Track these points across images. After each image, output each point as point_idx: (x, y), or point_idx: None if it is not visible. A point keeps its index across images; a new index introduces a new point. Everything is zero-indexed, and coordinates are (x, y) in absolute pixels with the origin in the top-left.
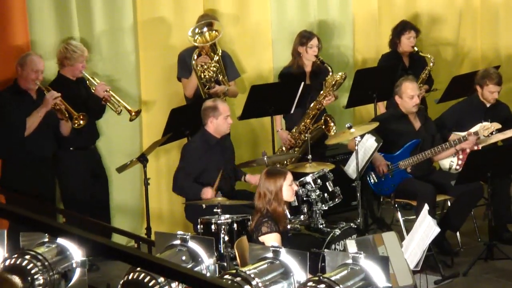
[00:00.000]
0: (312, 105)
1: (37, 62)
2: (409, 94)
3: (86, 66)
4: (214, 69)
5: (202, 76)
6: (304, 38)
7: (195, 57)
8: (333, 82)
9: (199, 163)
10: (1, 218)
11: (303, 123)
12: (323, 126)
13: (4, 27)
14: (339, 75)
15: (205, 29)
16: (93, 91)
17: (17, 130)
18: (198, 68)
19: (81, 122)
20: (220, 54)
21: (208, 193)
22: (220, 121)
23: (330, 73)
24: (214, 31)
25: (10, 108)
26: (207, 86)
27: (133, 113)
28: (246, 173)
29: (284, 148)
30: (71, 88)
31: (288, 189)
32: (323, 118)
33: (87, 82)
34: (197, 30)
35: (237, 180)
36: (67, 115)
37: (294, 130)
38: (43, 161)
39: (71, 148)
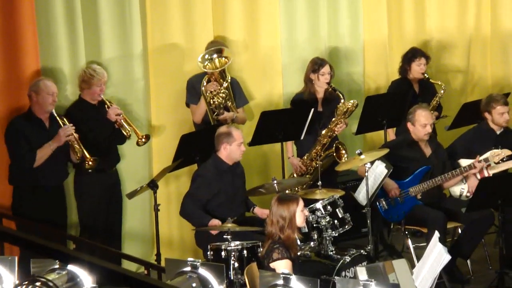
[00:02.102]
0: (323, 132)
1: (51, 85)
2: (422, 122)
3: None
4: (223, 95)
5: (211, 103)
6: (316, 65)
7: (205, 83)
8: (345, 110)
9: (209, 189)
10: (12, 244)
11: (314, 150)
12: (334, 154)
13: (15, 56)
14: (351, 103)
15: (214, 55)
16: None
17: (26, 161)
18: (208, 94)
19: (91, 163)
20: (229, 80)
21: (215, 223)
22: (233, 148)
23: (342, 101)
24: (223, 58)
25: (21, 137)
26: (216, 113)
27: (141, 137)
28: (256, 205)
29: (295, 175)
30: (89, 112)
31: (300, 215)
32: (334, 145)
33: (106, 106)
34: (206, 56)
35: (247, 211)
36: (78, 155)
37: (305, 157)
38: (54, 188)
39: (89, 170)
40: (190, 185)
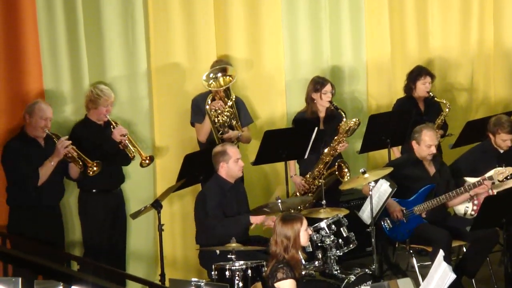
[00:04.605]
0: (326, 151)
1: (46, 110)
2: (427, 142)
3: None
4: (228, 114)
5: (216, 121)
6: (318, 84)
7: (209, 102)
8: (347, 128)
9: (220, 204)
10: (19, 266)
11: (317, 169)
12: (337, 172)
13: (18, 75)
14: (353, 121)
15: (219, 74)
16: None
17: (29, 180)
18: (212, 112)
19: (95, 169)
20: (233, 99)
21: (258, 218)
22: (231, 165)
23: (344, 119)
24: (228, 76)
25: (19, 158)
26: (221, 131)
27: (145, 158)
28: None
29: (298, 194)
30: (94, 131)
31: (304, 234)
32: (336, 164)
33: (111, 126)
34: (211, 75)
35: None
36: (81, 163)
37: (308, 176)
38: (51, 208)
39: (93, 190)
40: (199, 210)
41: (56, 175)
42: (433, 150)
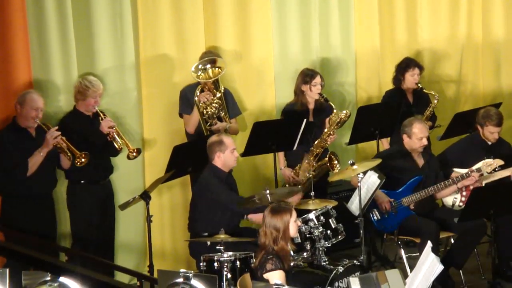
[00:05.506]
0: (316, 143)
1: (37, 100)
2: (418, 135)
3: None
4: (216, 105)
5: (204, 112)
6: (307, 76)
7: (198, 93)
8: (338, 120)
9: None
10: (4, 256)
11: (306, 161)
12: (328, 163)
13: (6, 66)
14: (344, 113)
15: (208, 65)
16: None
17: (18, 170)
18: (201, 104)
19: (83, 160)
20: (222, 91)
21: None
22: (227, 155)
23: (334, 111)
24: (217, 68)
25: (10, 147)
26: (209, 123)
27: (132, 150)
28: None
29: (287, 186)
30: (82, 123)
31: (293, 225)
32: (328, 155)
33: (100, 118)
34: (200, 67)
35: (241, 218)
36: (69, 154)
37: (297, 168)
38: (43, 198)
39: (82, 181)
40: (203, 196)
41: (48, 165)
42: (425, 142)
